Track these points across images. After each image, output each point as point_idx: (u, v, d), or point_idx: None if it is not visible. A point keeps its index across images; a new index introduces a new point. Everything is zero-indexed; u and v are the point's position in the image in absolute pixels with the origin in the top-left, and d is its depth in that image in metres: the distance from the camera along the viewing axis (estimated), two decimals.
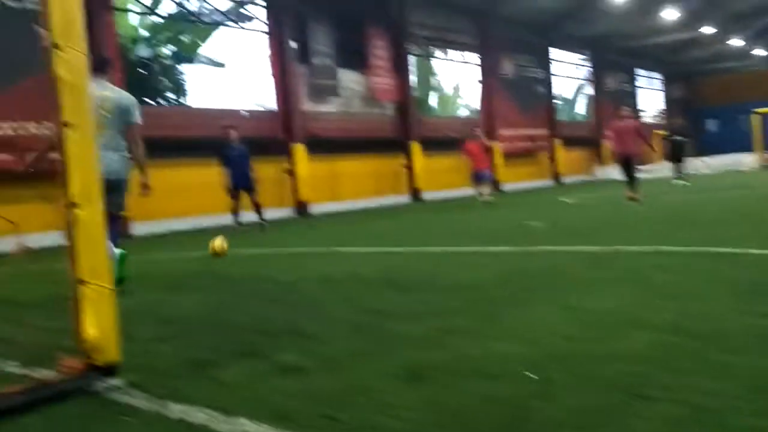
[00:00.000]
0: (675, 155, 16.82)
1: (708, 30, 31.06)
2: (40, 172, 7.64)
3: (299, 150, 16.86)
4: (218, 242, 7.05)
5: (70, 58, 2.43)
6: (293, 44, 17.28)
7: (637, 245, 5.36)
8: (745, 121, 28.27)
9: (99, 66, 5.25)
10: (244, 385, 2.35)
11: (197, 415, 2.07)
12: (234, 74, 28.70)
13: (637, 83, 34.41)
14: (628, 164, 11.18)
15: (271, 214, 15.44)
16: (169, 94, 21.19)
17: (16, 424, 2.13)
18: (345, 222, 12.99)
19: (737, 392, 1.90)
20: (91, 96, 2.60)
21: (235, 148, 11.46)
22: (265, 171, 16.89)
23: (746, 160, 25.46)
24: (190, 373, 2.57)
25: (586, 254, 5.19)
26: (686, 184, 15.55)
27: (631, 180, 11.07)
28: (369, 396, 2.11)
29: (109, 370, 2.52)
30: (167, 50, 20.82)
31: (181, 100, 20.98)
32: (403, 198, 20.24)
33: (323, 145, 17.62)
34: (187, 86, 21.67)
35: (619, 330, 2.70)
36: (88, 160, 2.49)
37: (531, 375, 2.20)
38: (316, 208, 17.09)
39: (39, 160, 9.76)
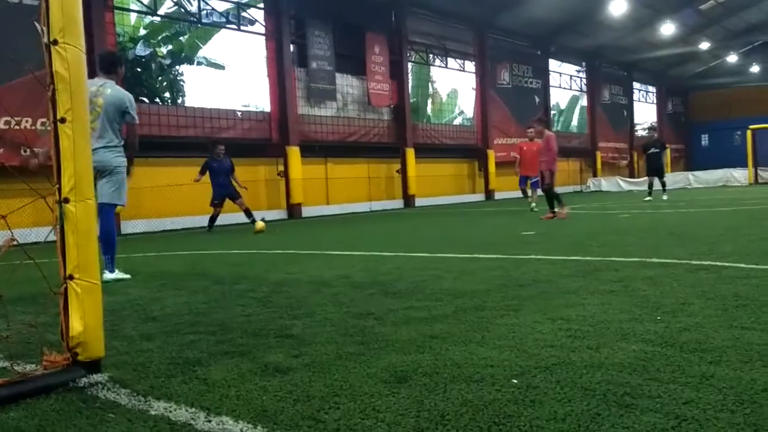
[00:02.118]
0: (653, 169, 16.49)
1: (704, 45, 31.33)
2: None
3: (294, 153, 16.88)
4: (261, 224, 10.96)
5: (69, 55, 2.44)
6: (292, 48, 17.32)
7: (625, 257, 5.39)
8: (738, 137, 28.48)
9: (107, 65, 5.44)
10: (229, 384, 2.34)
11: (179, 412, 2.06)
12: (232, 76, 28.71)
13: (632, 96, 34.61)
14: (542, 183, 11.38)
15: (263, 215, 15.46)
16: (166, 95, 21.17)
17: None
18: (338, 225, 12.99)
19: (719, 403, 1.92)
20: (87, 92, 2.60)
21: (221, 162, 12.12)
22: (259, 173, 16.92)
23: (737, 176, 25.65)
24: (175, 371, 2.56)
25: (574, 264, 5.21)
26: (665, 199, 15.43)
27: (548, 198, 11.21)
28: (353, 398, 2.11)
29: (93, 366, 2.52)
30: (165, 50, 20.81)
31: (179, 100, 20.96)
32: (397, 203, 20.28)
33: (317, 149, 17.66)
34: (185, 87, 21.68)
35: (605, 340, 2.71)
36: (81, 155, 2.49)
37: (514, 381, 2.21)
38: (310, 210, 17.10)
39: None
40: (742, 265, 4.53)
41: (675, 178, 29.04)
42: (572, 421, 1.83)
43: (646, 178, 18.01)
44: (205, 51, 21.65)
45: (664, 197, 15.71)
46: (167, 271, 6.37)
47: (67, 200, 2.45)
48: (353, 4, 18.69)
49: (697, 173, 26.87)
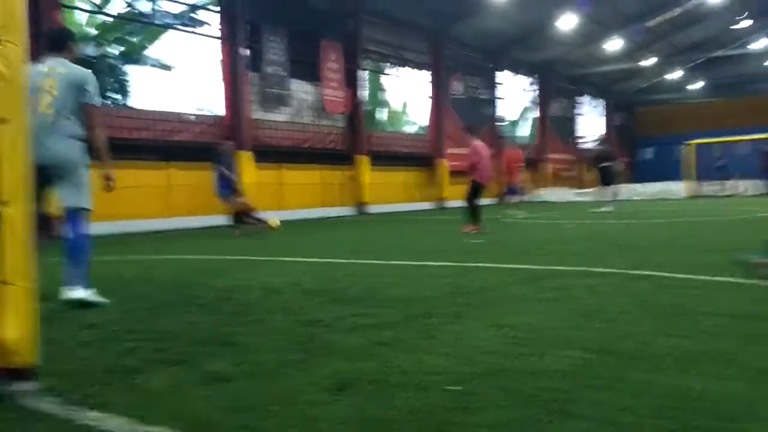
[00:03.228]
0: (604, 180, 16.69)
1: (650, 61, 32.44)
2: None
3: (247, 157, 16.66)
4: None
5: (8, 52, 2.38)
6: (245, 51, 17.14)
7: (568, 266, 5.51)
8: (679, 151, 29.57)
9: (56, 42, 4.62)
10: (167, 393, 2.28)
11: (113, 422, 2.00)
12: (183, 78, 28.24)
13: (580, 109, 35.55)
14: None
15: (213, 221, 15.19)
16: (113, 95, 20.65)
17: None
18: (289, 231, 12.88)
19: (655, 411, 1.96)
20: (27, 87, 2.51)
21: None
22: (210, 177, 16.62)
23: (676, 189, 26.57)
24: (111, 379, 2.48)
25: (520, 272, 5.29)
26: (609, 210, 15.35)
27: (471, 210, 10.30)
28: (294, 407, 2.09)
29: (26, 374, 2.42)
30: (114, 50, 20.31)
31: (126, 101, 20.48)
32: (349, 210, 20.25)
33: (271, 154, 17.48)
34: (133, 87, 21.19)
35: (547, 348, 2.75)
36: (19, 157, 2.42)
37: (454, 388, 2.22)
38: (261, 216, 16.89)
39: None
40: (681, 275, 4.69)
41: (620, 190, 29.93)
42: (514, 428, 1.85)
43: (594, 189, 18.37)
44: (156, 52, 21.22)
45: (610, 209, 15.83)
46: (112, 276, 6.19)
47: (5, 203, 2.37)
48: (309, 11, 18.64)
49: (640, 186, 27.70)
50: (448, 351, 2.75)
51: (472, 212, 10.21)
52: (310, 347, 2.90)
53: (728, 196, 24.35)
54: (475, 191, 10.30)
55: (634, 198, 26.37)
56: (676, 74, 36.36)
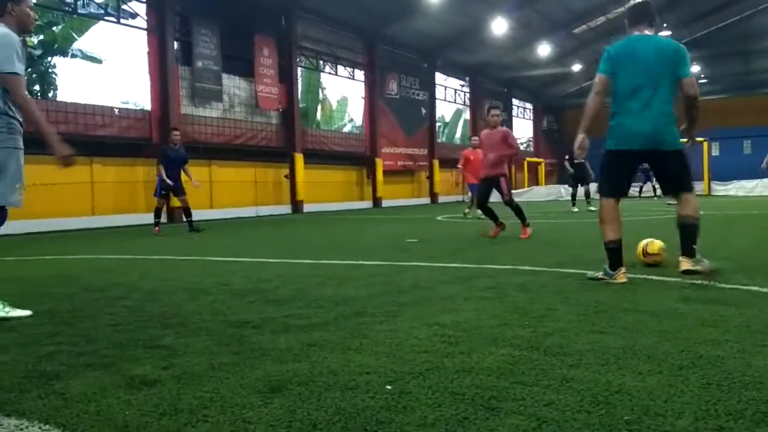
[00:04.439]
0: (577, 179, 16.10)
1: (576, 67, 33.64)
2: None
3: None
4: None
5: None
6: (176, 45, 16.69)
7: (500, 264, 5.64)
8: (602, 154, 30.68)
9: None
10: (89, 398, 2.19)
11: (32, 430, 1.90)
12: (111, 71, 27.25)
13: (511, 112, 36.44)
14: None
15: (139, 219, 14.75)
16: (36, 87, 19.71)
17: None
18: (221, 230, 12.63)
19: (577, 405, 2.03)
20: None
21: (177, 151, 11.49)
22: (137, 174, 16.12)
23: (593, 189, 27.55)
24: (29, 385, 2.36)
25: (453, 271, 5.38)
26: (592, 209, 14.59)
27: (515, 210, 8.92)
28: (224, 410, 2.05)
29: None
30: (36, 41, 19.38)
31: (50, 94, 19.58)
32: (284, 209, 20.06)
33: (202, 151, 17.10)
34: (58, 80, 20.30)
35: (477, 345, 2.81)
36: None
37: (388, 387, 2.24)
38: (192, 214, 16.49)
39: None
40: None
41: (549, 191, 30.87)
42: (441, 426, 1.88)
43: (557, 186, 18.04)
44: (81, 43, 20.39)
45: (592, 208, 14.71)
46: (29, 277, 5.90)
47: None
48: (242, 5, 18.34)
49: (567, 187, 28.61)
50: (380, 350, 2.77)
51: (518, 210, 8.81)
52: (239, 349, 2.85)
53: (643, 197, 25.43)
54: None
55: (563, 198, 27.27)
56: None
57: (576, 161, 15.22)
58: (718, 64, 35.74)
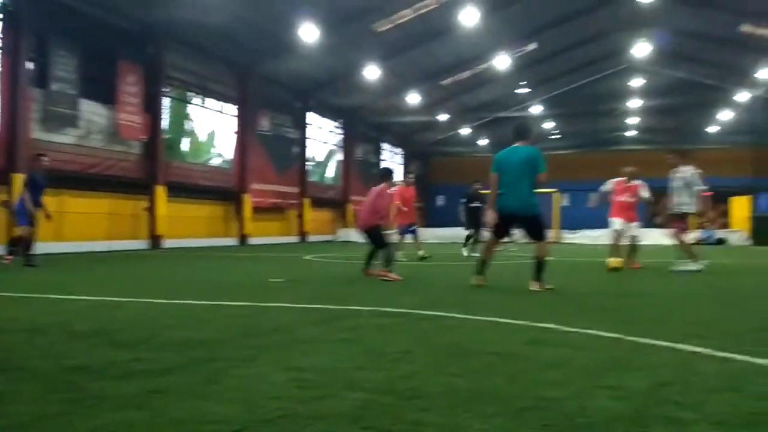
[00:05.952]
0: (472, 222, 15.29)
1: (443, 117, 35.36)
2: None
3: (20, 181, 14.92)
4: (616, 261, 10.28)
5: None
6: (29, 65, 15.53)
7: (363, 305, 5.67)
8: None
9: None
10: None
11: None
12: None
13: (382, 156, 37.43)
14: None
15: None
16: None
17: None
18: (68, 265, 11.69)
19: None
20: None
21: (43, 176, 11.13)
22: None
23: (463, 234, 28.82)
24: None
25: (316, 312, 5.33)
26: (474, 254, 13.74)
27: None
28: None
29: None
30: None
31: None
32: (142, 244, 18.98)
33: (53, 179, 15.84)
34: None
35: (332, 390, 2.77)
36: None
37: None
38: (38, 247, 15.15)
39: None
40: (459, 315, 5.04)
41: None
42: None
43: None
44: None
45: (475, 254, 13.69)
46: None
47: None
48: (106, 28, 17.49)
49: (433, 230, 29.63)
50: (231, 397, 2.65)
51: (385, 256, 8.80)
52: (74, 397, 2.61)
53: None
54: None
55: (427, 241, 28.12)
56: (466, 130, 40.02)
57: (472, 205, 15.37)
58: (571, 121, 39.16)
